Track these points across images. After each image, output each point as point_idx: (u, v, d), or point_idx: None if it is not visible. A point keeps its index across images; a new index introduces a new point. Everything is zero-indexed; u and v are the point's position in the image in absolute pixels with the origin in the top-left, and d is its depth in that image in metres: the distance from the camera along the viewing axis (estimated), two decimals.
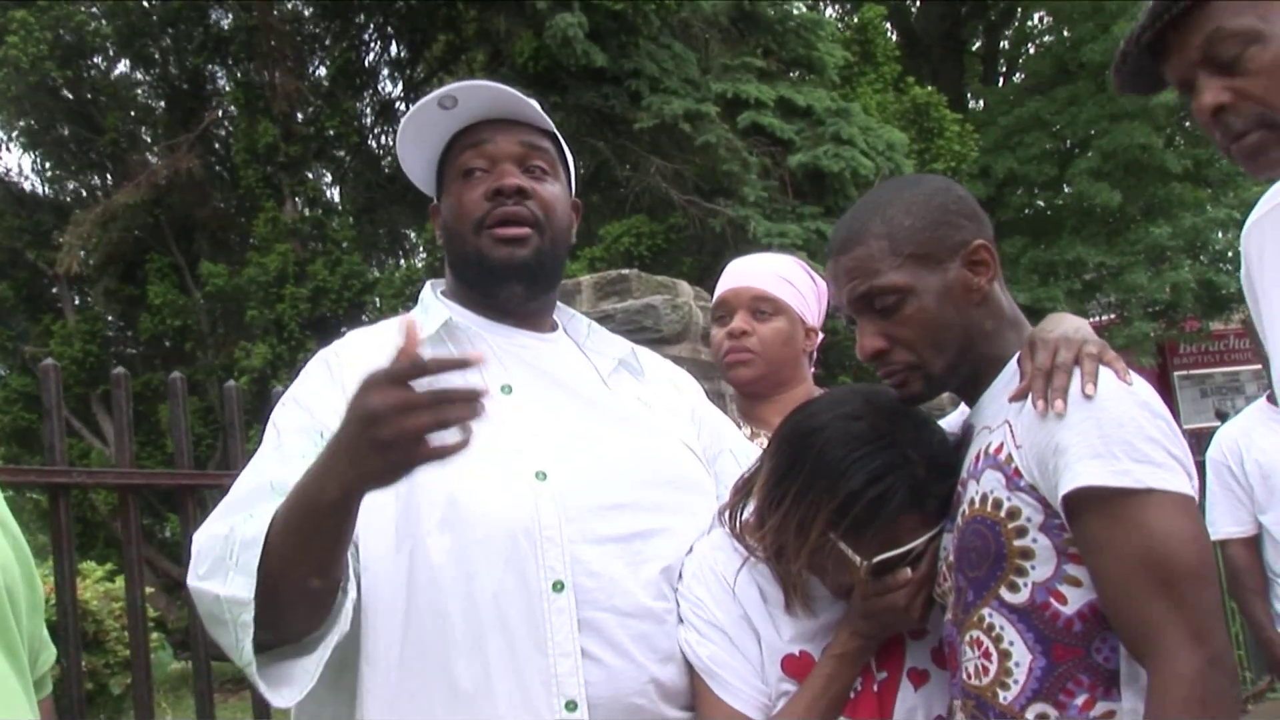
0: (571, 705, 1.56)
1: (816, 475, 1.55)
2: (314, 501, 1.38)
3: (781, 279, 2.46)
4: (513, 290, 1.80)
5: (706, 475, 1.85)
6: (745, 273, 2.49)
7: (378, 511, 1.60)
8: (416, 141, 1.83)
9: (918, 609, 1.61)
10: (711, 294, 2.64)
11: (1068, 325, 1.57)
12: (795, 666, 1.66)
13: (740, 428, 2.40)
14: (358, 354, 1.76)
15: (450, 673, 1.55)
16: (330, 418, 1.62)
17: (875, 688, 1.64)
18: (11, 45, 10.83)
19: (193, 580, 1.52)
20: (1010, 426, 1.49)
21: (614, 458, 1.72)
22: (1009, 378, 1.56)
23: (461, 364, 1.30)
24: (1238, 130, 1.39)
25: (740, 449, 1.95)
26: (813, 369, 2.57)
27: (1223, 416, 8.80)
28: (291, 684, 1.47)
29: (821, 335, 2.55)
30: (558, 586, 1.59)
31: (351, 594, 1.54)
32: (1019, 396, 1.48)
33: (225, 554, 1.47)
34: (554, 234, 1.80)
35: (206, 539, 1.53)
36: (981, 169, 14.73)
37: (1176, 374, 16.36)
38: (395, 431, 1.26)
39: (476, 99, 1.77)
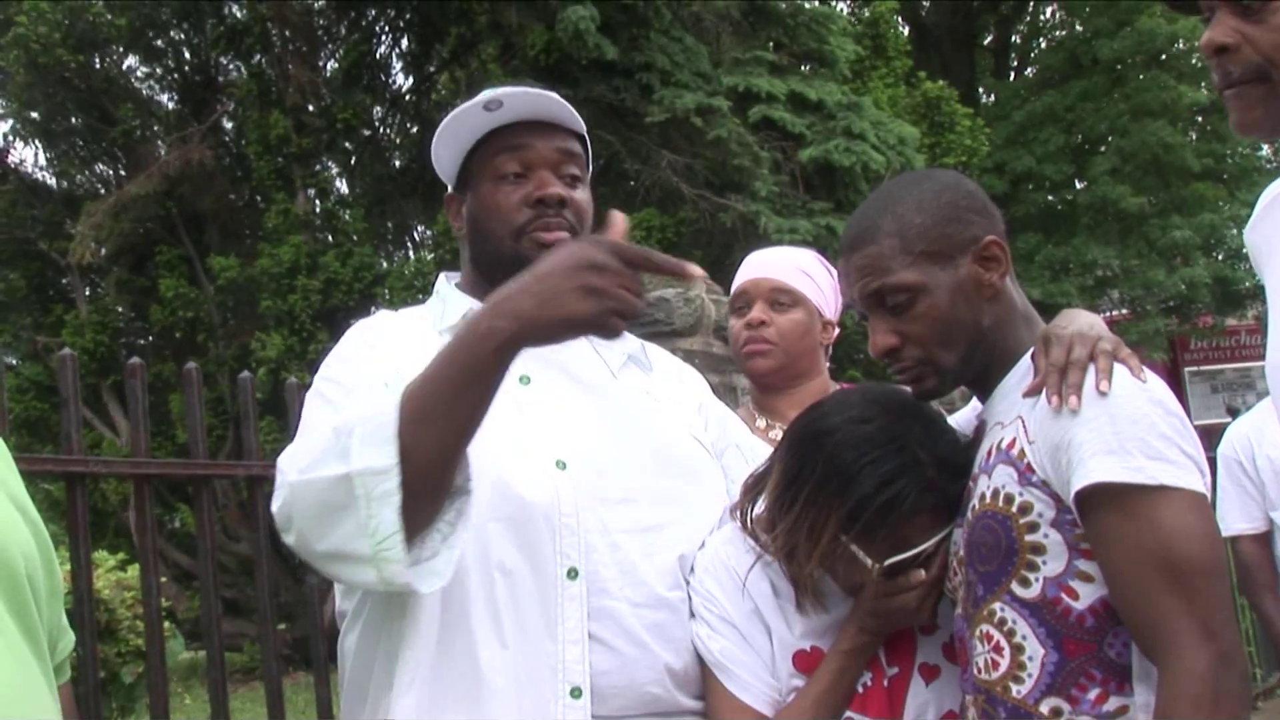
0: (576, 692, 1.57)
1: (827, 479, 1.55)
2: (477, 346, 1.41)
3: (801, 271, 2.46)
4: None
5: (715, 467, 1.86)
6: (765, 264, 2.50)
7: None
8: (451, 134, 1.85)
9: (928, 608, 1.62)
10: (723, 287, 2.65)
11: (1082, 321, 1.57)
12: (806, 662, 1.66)
13: (755, 420, 2.41)
14: (390, 328, 1.82)
15: (474, 655, 1.56)
16: (390, 351, 1.68)
17: (886, 683, 1.65)
18: (20, 25, 10.86)
19: (295, 476, 1.47)
20: (1023, 422, 1.49)
21: (629, 449, 1.73)
22: (1022, 373, 1.56)
23: (680, 271, 1.43)
24: (1234, 77, 1.37)
25: (746, 444, 1.96)
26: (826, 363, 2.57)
27: (1234, 412, 8.77)
28: (434, 573, 1.45)
29: (838, 329, 2.55)
30: (572, 574, 1.60)
31: (471, 492, 1.51)
32: (1033, 392, 1.49)
33: (335, 441, 1.43)
34: None
35: (301, 447, 1.51)
36: (995, 164, 14.68)
37: (1187, 369, 16.31)
38: (608, 282, 1.38)
39: (520, 102, 1.80)
